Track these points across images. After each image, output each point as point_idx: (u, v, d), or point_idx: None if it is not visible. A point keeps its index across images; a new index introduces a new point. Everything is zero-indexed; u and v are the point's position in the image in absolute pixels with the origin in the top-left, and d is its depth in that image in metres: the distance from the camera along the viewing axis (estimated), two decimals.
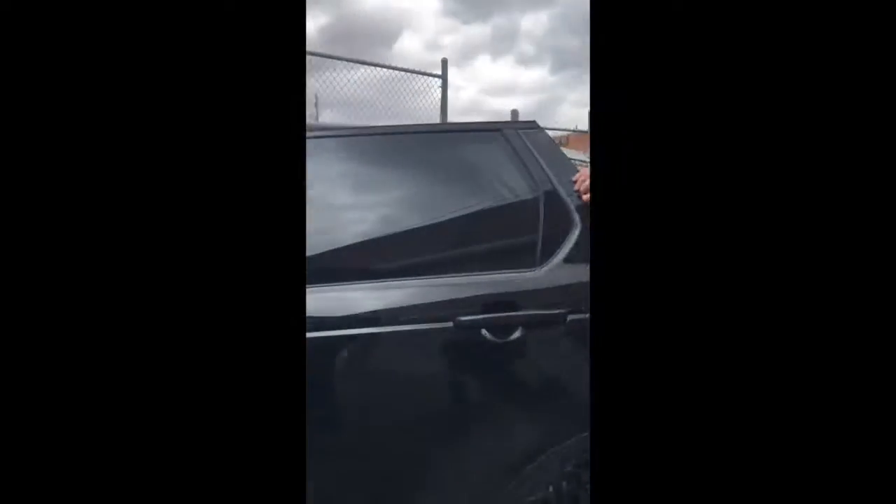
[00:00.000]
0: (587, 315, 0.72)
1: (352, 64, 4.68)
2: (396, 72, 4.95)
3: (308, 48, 4.17)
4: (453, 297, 1.23)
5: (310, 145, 1.19)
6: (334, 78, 4.66)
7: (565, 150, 1.97)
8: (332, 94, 4.70)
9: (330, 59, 4.55)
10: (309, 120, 3.65)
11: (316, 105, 5.00)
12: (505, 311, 1.22)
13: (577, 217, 1.29)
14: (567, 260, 1.26)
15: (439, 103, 5.05)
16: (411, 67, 5.02)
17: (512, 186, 1.38)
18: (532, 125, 1.44)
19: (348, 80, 4.71)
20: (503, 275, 1.27)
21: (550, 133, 1.94)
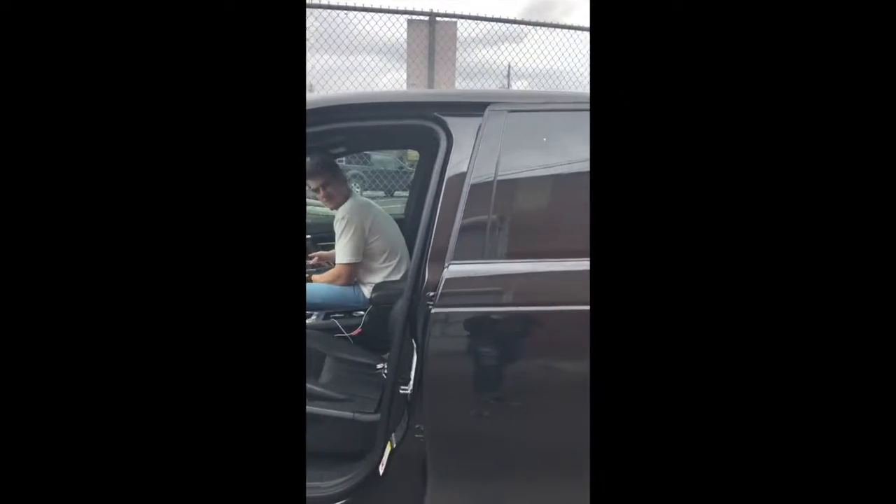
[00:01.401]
0: None
1: (546, 33, 4.46)
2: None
3: (508, 17, 4.08)
4: None
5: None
6: (525, 49, 4.50)
7: None
8: (526, 64, 4.56)
9: (526, 30, 4.41)
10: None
11: (508, 76, 4.92)
12: None
13: None
14: None
15: None
16: None
17: None
18: None
19: (541, 50, 4.51)
20: None
21: None
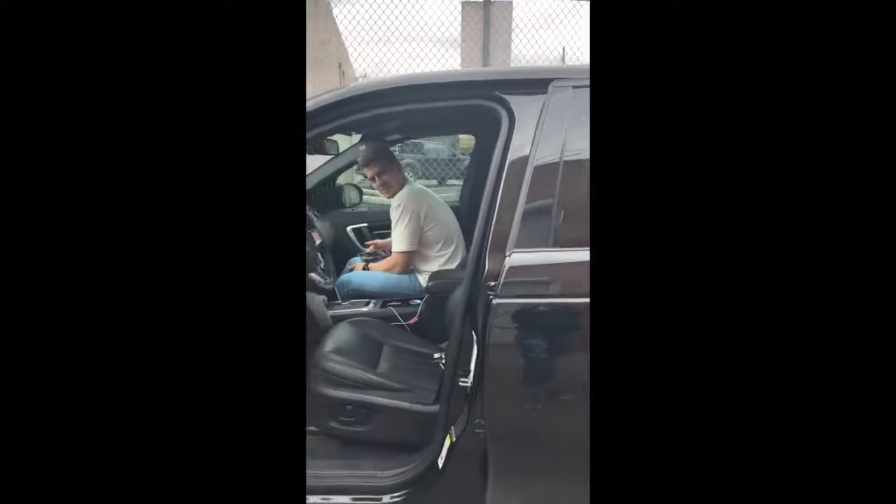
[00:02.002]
0: None
1: None
2: None
3: None
4: None
5: None
6: (581, 29, 4.30)
7: None
8: (581, 48, 4.37)
9: (583, 8, 4.21)
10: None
11: (563, 60, 4.75)
12: None
13: None
14: None
15: None
16: None
17: None
18: None
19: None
20: None
21: None
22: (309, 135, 1.22)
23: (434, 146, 8.12)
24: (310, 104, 1.21)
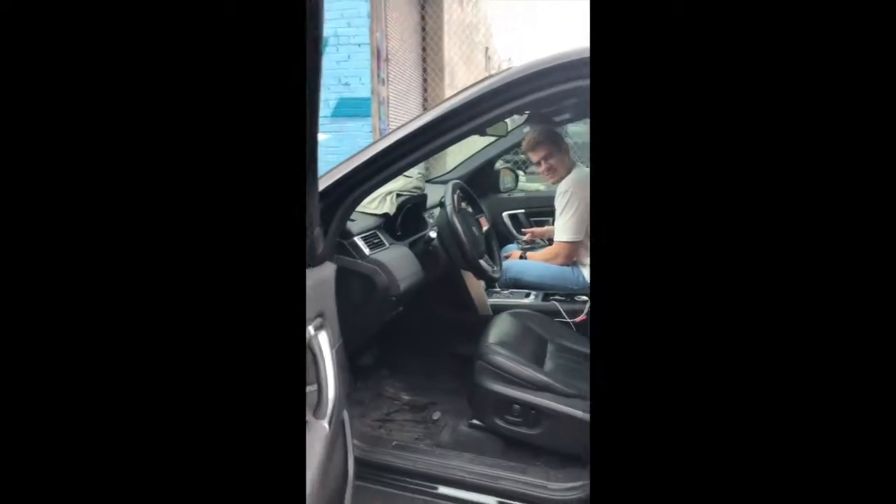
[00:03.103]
0: None
1: None
2: None
3: None
4: None
5: None
6: None
7: None
8: None
9: None
10: None
11: None
12: None
13: None
14: None
15: None
16: None
17: None
18: None
19: None
20: None
21: None
22: (481, 120, 1.13)
23: (575, 129, 7.68)
24: (483, 85, 1.12)
